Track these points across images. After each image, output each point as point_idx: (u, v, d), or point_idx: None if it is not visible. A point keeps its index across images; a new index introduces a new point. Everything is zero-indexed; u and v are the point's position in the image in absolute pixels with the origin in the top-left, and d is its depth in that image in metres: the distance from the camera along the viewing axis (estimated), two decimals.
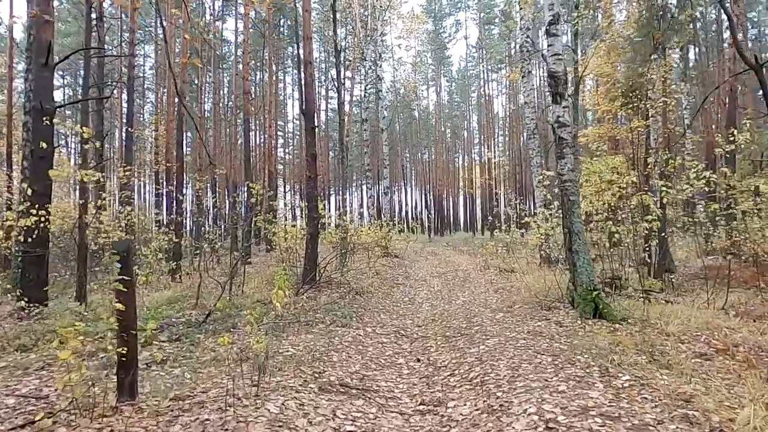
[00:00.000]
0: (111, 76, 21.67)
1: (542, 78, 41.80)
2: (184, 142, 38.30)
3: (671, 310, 6.73)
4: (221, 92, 38.06)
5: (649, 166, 10.50)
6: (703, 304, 7.27)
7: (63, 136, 38.76)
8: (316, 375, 4.26)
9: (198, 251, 12.21)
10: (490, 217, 43.01)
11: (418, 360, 5.17)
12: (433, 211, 48.91)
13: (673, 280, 9.10)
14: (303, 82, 10.35)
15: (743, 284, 9.66)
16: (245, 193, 14.30)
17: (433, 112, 54.04)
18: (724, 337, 5.41)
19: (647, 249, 8.25)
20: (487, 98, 41.97)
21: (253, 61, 36.12)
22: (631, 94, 9.73)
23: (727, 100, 17.17)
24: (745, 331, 5.68)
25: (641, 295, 8.17)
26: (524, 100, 14.28)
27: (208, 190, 24.67)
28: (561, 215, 6.45)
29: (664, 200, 8.10)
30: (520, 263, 13.30)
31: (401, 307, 9.17)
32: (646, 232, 7.59)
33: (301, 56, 10.39)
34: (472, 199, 57.12)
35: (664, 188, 7.63)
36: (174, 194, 12.48)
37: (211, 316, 7.11)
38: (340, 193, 14.41)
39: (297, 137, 48.47)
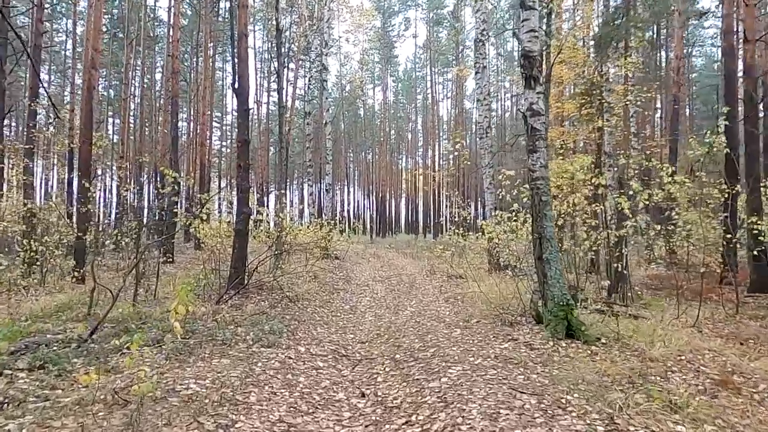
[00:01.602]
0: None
1: (498, 70, 42.12)
2: (110, 126, 35.04)
3: (642, 327, 6.05)
4: (153, 75, 35.23)
5: (603, 170, 10.04)
6: (672, 320, 6.67)
7: None
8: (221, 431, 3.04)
9: (99, 248, 10.46)
10: (440, 219, 42.87)
11: (363, 395, 4.06)
12: (375, 212, 48.06)
13: (632, 291, 8.55)
14: (237, 57, 8.98)
15: (696, 296, 9.34)
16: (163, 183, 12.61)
17: (378, 112, 53.26)
18: (712, 363, 4.72)
19: (615, 257, 7.59)
20: (433, 100, 41.54)
21: (187, 44, 33.75)
22: (592, 93, 9.18)
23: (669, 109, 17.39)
24: (731, 355, 5.04)
25: (603, 309, 7.54)
26: (477, 96, 13.56)
27: (131, 180, 22.33)
28: (531, 218, 5.58)
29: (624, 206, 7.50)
30: (470, 269, 12.53)
31: (341, 317, 8.03)
32: (616, 238, 6.91)
33: (235, 26, 9.00)
34: (414, 202, 56.87)
35: (621, 193, 7.05)
36: (80, 181, 10.66)
37: (103, 331, 5.65)
38: (279, 188, 13.04)
39: (236, 130, 46.03)
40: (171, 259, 14.83)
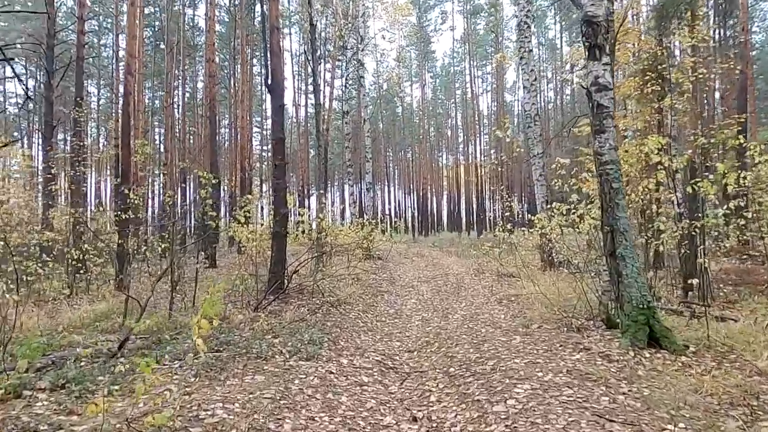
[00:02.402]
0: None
1: (540, 59, 40.44)
2: (156, 135, 35.96)
3: (734, 331, 5.19)
4: (195, 84, 35.92)
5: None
6: (765, 323, 5.73)
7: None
8: None
9: (143, 254, 10.34)
10: (482, 216, 41.74)
11: (415, 419, 3.49)
12: (416, 211, 47.39)
13: (711, 289, 7.57)
14: (269, 50, 8.60)
15: None
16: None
17: (416, 110, 52.53)
18: None
19: (692, 250, 6.68)
20: (473, 94, 40.47)
21: (226, 51, 34.18)
22: (656, 69, 8.22)
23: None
24: None
25: (680, 310, 6.66)
26: (523, 83, 12.72)
27: (175, 186, 22.63)
28: (600, 209, 4.84)
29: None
30: (521, 267, 11.73)
31: (386, 322, 7.49)
32: (696, 229, 6.02)
33: (266, 17, 8.62)
34: (456, 199, 55.77)
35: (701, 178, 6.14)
36: (122, 188, 10.61)
37: (135, 344, 5.33)
38: (319, 189, 12.67)
39: (271, 128, 46.39)
40: (213, 264, 14.75)
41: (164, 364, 4.60)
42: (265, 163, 49.44)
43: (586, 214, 6.92)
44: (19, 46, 21.93)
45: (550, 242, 11.94)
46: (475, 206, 46.48)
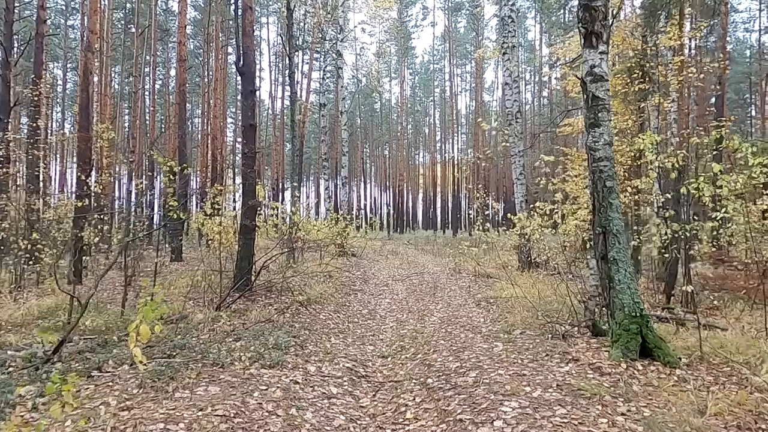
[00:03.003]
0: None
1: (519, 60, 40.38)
2: (123, 122, 34.62)
3: (723, 340, 4.95)
4: (169, 71, 34.71)
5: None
6: (759, 332, 5.52)
7: None
8: None
9: (97, 246, 9.64)
10: (459, 215, 41.60)
11: None
12: (392, 208, 47.06)
13: (695, 295, 7.38)
14: (241, 31, 8.04)
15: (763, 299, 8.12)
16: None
17: (395, 106, 52.17)
18: None
19: (676, 254, 6.44)
20: (452, 91, 40.29)
21: (199, 35, 33.04)
22: (643, 67, 7.99)
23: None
24: None
25: (664, 316, 6.42)
26: (505, 79, 12.43)
27: (142, 174, 21.68)
28: (592, 209, 4.51)
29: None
30: (500, 268, 11.47)
31: (359, 323, 7.06)
32: (684, 234, 5.76)
33: None
34: (432, 197, 55.68)
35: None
36: (79, 174, 9.87)
37: (78, 345, 4.76)
38: (293, 181, 12.11)
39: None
40: (179, 257, 14.05)
41: (106, 372, 4.07)
42: (239, 154, 48.35)
43: (568, 215, 6.61)
44: None
45: (528, 242, 11.73)
46: (450, 205, 46.44)
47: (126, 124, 34.98)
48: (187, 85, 16.17)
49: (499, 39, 12.78)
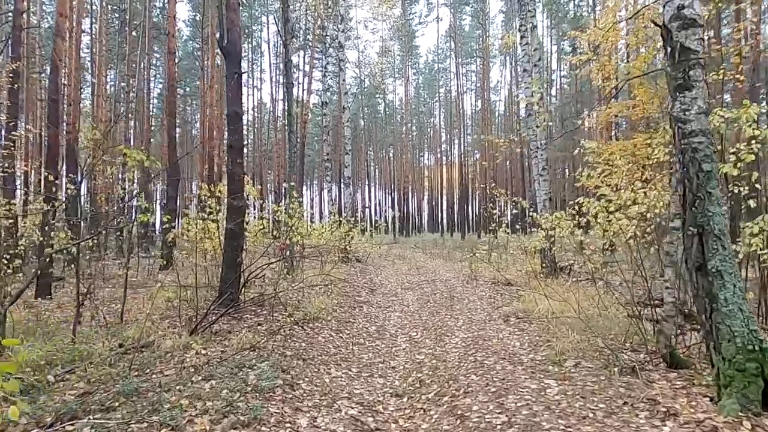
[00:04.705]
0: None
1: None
2: (113, 122, 33.48)
3: None
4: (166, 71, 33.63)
5: None
6: None
7: None
8: None
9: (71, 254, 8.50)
10: (467, 215, 40.29)
11: None
12: (397, 211, 45.89)
13: None
14: (225, 5, 6.90)
15: None
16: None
17: (399, 108, 51.09)
18: None
19: None
20: (458, 90, 39.11)
21: (198, 38, 32.00)
22: None
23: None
24: None
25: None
26: (524, 66, 11.24)
27: (132, 177, 20.59)
28: (682, 202, 3.32)
29: None
30: (526, 274, 10.29)
31: (365, 346, 5.88)
32: None
33: None
34: (438, 199, 54.48)
35: None
36: (46, 174, 8.75)
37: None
38: (290, 179, 10.95)
39: (255, 130, 44.37)
40: (168, 266, 12.89)
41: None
42: (245, 158, 47.20)
43: (623, 207, 5.38)
44: None
45: (553, 246, 10.52)
46: (457, 207, 45.18)
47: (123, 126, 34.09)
48: (177, 79, 15.09)
49: (519, 18, 11.56)
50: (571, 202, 6.61)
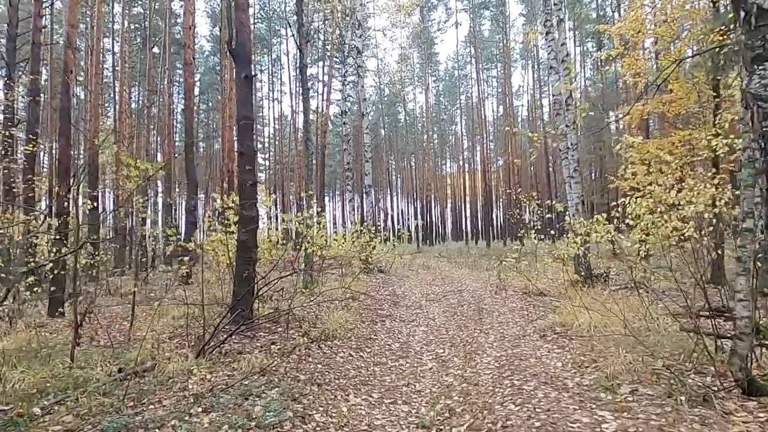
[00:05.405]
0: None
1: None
2: (137, 139, 34.05)
3: None
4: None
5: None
6: None
7: None
8: None
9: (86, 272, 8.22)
10: (491, 222, 39.33)
11: None
12: (420, 220, 45.28)
13: None
14: (234, 4, 6.56)
15: None
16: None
17: (419, 116, 50.68)
18: None
19: None
20: (480, 94, 38.42)
21: (218, 54, 32.17)
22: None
23: None
24: None
25: None
26: (550, 63, 10.65)
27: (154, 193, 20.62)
28: (765, 195, 2.74)
29: None
30: (562, 284, 9.63)
31: (388, 366, 5.36)
32: None
33: None
34: (461, 207, 53.69)
35: None
36: (57, 188, 8.55)
37: None
38: (308, 188, 10.55)
39: (277, 142, 44.60)
40: (187, 281, 12.61)
41: None
42: (266, 171, 47.48)
43: (676, 207, 4.77)
44: None
45: (587, 251, 9.84)
46: (480, 214, 44.29)
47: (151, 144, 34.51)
48: (194, 91, 14.95)
49: (543, 13, 11.00)
50: (614, 204, 5.99)
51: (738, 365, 3.42)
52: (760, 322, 4.28)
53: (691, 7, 9.94)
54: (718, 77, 9.43)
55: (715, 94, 9.66)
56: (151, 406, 3.64)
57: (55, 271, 7.85)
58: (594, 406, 3.34)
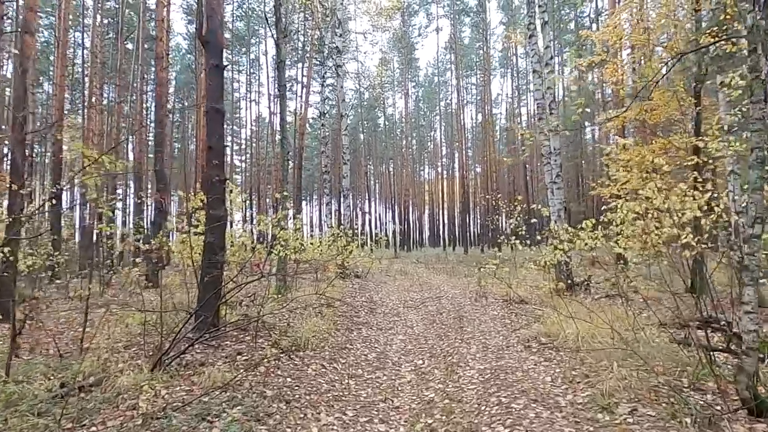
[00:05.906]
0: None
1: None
2: (107, 136, 32.84)
3: None
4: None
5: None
6: None
7: None
8: None
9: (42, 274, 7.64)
10: (469, 229, 39.31)
11: None
12: (398, 225, 44.99)
13: None
14: None
15: None
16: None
17: (398, 121, 50.51)
18: None
19: None
20: (459, 101, 38.45)
21: (194, 49, 31.26)
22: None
23: None
24: None
25: None
26: (533, 66, 10.46)
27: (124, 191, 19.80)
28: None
29: None
30: (532, 291, 9.39)
31: (364, 378, 4.97)
32: None
33: None
34: (438, 214, 53.65)
35: None
36: (9, 183, 7.90)
37: None
38: (283, 190, 10.09)
39: (254, 144, 43.77)
40: (155, 284, 11.98)
41: None
42: (243, 173, 46.57)
43: (671, 213, 4.53)
44: None
45: (570, 259, 9.64)
46: (458, 221, 44.28)
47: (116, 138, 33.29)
48: (171, 88, 14.35)
49: (527, 16, 10.84)
50: (604, 207, 5.74)
51: (744, 383, 3.15)
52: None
53: (674, 15, 9.90)
54: (701, 82, 9.38)
55: (696, 101, 9.62)
56: (93, 428, 3.18)
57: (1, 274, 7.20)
58: (592, 429, 3.02)
